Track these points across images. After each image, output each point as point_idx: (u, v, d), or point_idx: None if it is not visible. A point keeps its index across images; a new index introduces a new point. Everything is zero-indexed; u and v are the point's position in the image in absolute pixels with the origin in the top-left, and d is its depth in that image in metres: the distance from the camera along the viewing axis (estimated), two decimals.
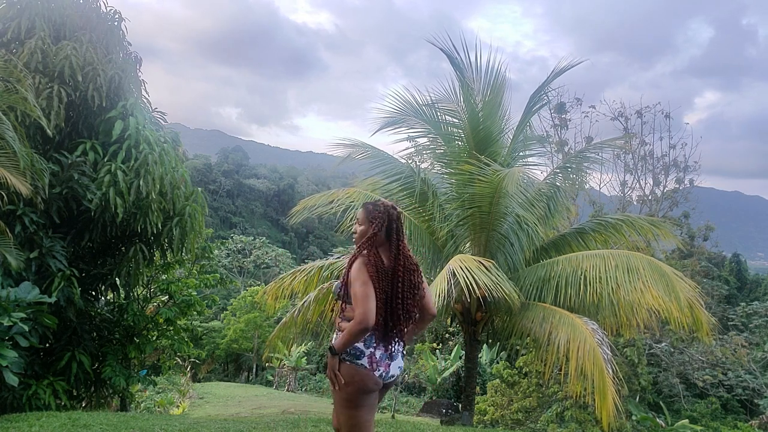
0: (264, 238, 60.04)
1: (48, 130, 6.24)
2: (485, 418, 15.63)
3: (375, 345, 2.79)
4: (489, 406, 15.96)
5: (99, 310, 8.30)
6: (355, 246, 2.99)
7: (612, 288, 6.93)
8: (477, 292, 6.32)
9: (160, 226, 7.41)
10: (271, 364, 27.45)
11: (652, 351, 18.31)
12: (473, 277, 6.29)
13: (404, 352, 2.99)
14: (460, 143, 8.49)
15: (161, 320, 8.94)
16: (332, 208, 8.23)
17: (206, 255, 10.06)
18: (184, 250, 8.37)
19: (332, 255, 9.31)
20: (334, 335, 2.94)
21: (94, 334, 7.94)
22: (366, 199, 8.24)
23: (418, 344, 22.70)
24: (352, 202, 8.17)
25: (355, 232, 2.98)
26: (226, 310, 32.45)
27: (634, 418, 13.59)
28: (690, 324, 6.78)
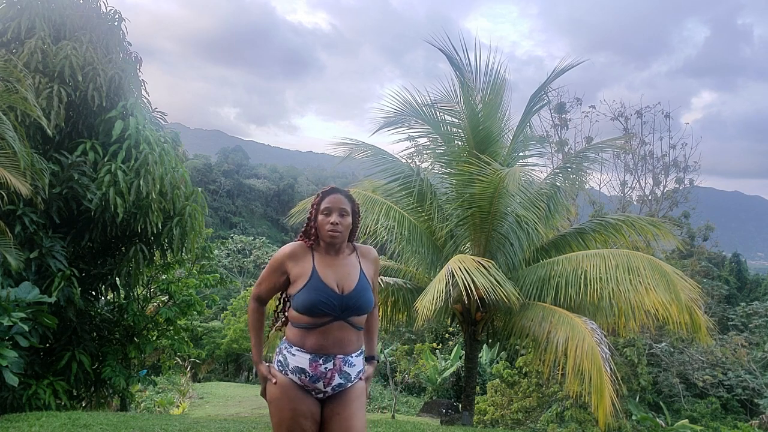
0: (264, 238, 60.08)
1: (48, 130, 6.24)
2: (485, 418, 15.63)
3: None
4: (489, 406, 15.96)
5: (99, 310, 8.30)
6: (335, 238, 2.41)
7: (612, 288, 6.93)
8: (475, 293, 6.32)
9: (160, 226, 7.41)
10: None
11: (652, 351, 18.30)
12: (472, 278, 6.29)
13: None
14: (460, 143, 8.49)
15: (161, 320, 8.95)
16: None
17: (206, 255, 10.07)
18: (184, 250, 8.37)
19: None
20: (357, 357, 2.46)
21: (94, 334, 7.94)
22: (366, 199, 8.25)
23: (418, 344, 22.70)
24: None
25: (338, 223, 2.39)
26: (226, 310, 32.43)
27: (633, 418, 13.59)
28: (689, 326, 6.78)
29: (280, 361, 2.43)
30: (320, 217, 2.42)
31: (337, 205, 2.41)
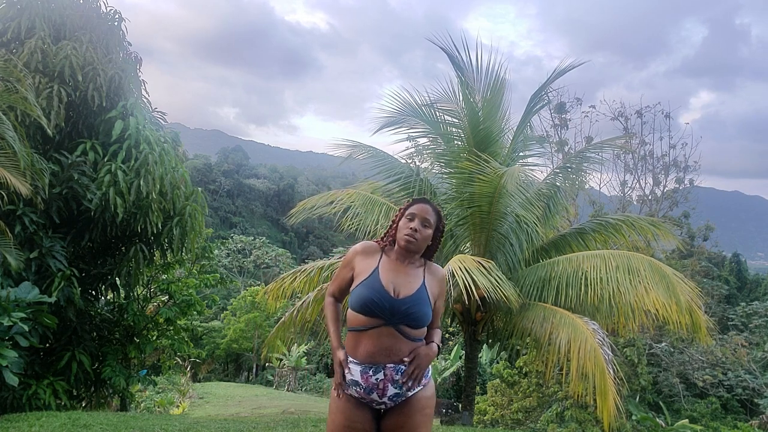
0: (264, 238, 60.08)
1: (48, 130, 6.24)
2: (485, 418, 15.63)
3: None
4: (489, 406, 15.97)
5: (99, 310, 8.31)
6: (410, 243, 2.37)
7: (612, 289, 6.93)
8: (476, 293, 6.31)
9: (160, 226, 7.42)
10: (271, 364, 27.45)
11: (652, 351, 18.31)
12: (472, 278, 6.28)
13: None
14: (459, 143, 8.49)
15: (161, 320, 8.95)
16: (333, 207, 8.23)
17: (206, 255, 10.07)
18: (184, 250, 8.37)
19: (332, 255, 9.34)
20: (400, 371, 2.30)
21: (94, 334, 7.95)
22: (366, 200, 8.25)
23: None
24: (353, 202, 8.18)
25: (417, 230, 2.36)
26: (226, 310, 32.45)
27: (634, 418, 13.59)
28: (689, 326, 6.78)
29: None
30: (403, 220, 2.42)
31: (422, 214, 2.39)
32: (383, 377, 2.27)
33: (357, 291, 2.34)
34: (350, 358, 2.34)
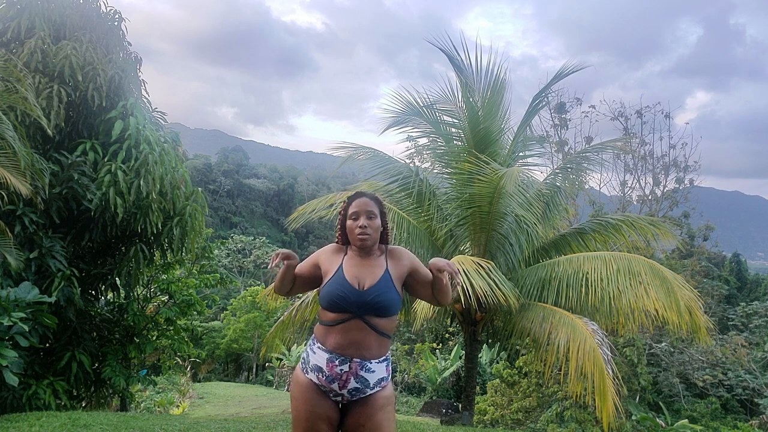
0: (264, 238, 60.08)
1: (48, 130, 6.24)
2: (485, 418, 15.64)
3: None
4: (489, 406, 15.97)
5: (99, 310, 8.30)
6: (365, 240, 2.42)
7: (612, 291, 6.94)
8: (472, 295, 6.31)
9: (160, 226, 7.41)
10: (271, 364, 27.44)
11: (652, 351, 18.32)
12: (470, 280, 6.29)
13: None
14: (459, 143, 8.50)
15: (161, 320, 8.95)
16: (333, 210, 8.23)
17: (206, 255, 10.06)
18: (184, 250, 8.37)
19: None
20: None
21: (94, 334, 7.94)
22: None
23: (418, 344, 22.71)
24: None
25: (367, 226, 2.41)
26: (226, 310, 32.44)
27: (633, 418, 13.60)
28: (689, 327, 6.79)
29: (303, 358, 2.44)
30: (349, 222, 2.46)
31: (363, 209, 2.44)
32: (348, 369, 2.31)
33: (324, 289, 2.38)
34: (319, 345, 2.37)
